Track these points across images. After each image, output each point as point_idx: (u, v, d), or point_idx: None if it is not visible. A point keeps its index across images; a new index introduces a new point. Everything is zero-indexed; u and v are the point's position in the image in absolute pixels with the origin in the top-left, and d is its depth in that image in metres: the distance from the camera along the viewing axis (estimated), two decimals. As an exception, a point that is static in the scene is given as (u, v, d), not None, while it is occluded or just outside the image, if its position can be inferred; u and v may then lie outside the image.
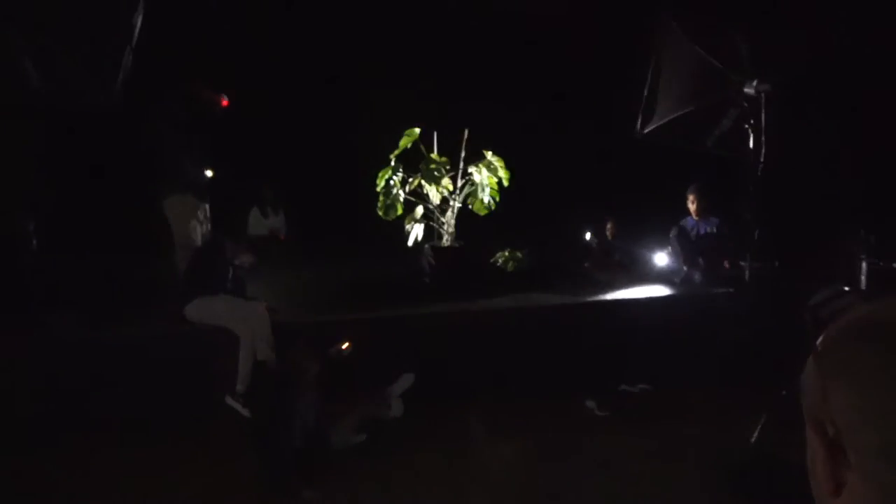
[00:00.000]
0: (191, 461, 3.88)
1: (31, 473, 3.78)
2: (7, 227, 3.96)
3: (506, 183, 5.83)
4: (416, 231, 5.86)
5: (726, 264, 5.88)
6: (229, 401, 4.35)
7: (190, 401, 4.35)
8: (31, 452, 3.96)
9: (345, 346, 4.15)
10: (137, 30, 3.93)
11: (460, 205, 5.89)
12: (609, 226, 6.68)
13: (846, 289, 4.45)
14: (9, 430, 4.07)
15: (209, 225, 5.40)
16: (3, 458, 3.90)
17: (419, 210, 5.86)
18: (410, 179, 5.71)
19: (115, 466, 3.84)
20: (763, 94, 4.17)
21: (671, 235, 5.98)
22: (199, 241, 5.13)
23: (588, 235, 6.79)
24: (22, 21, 3.58)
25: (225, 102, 5.19)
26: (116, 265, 5.49)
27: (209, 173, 5.28)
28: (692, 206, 5.87)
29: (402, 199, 5.72)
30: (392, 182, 5.70)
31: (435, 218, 5.90)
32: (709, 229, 5.81)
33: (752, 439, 3.27)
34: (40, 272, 4.09)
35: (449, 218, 5.89)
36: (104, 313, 4.78)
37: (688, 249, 5.81)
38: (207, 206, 5.37)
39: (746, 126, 4.36)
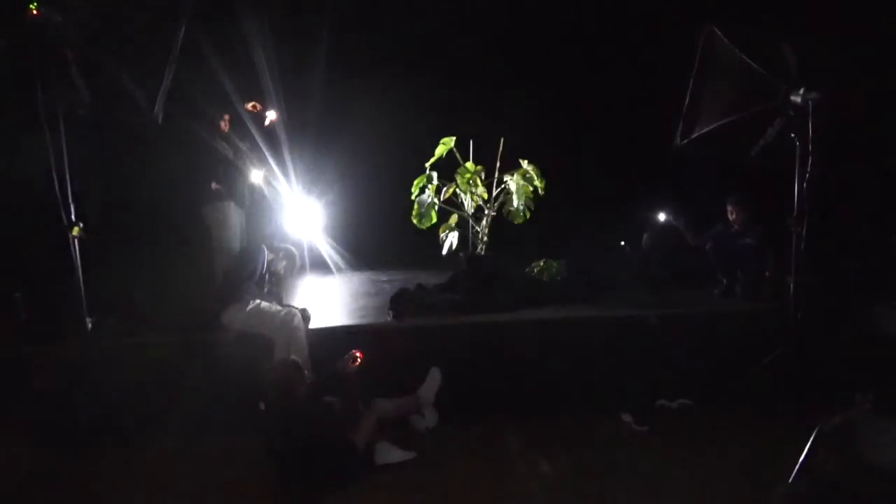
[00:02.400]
0: (223, 466, 3.91)
1: (68, 472, 3.88)
2: (55, 238, 4.03)
3: (541, 192, 5.78)
4: (451, 239, 5.83)
5: (767, 274, 5.76)
6: (263, 407, 4.36)
7: (224, 405, 4.38)
8: (69, 453, 4.05)
9: (355, 360, 4.11)
10: (180, 42, 3.99)
11: (495, 213, 5.85)
12: (646, 237, 6.56)
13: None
14: (52, 431, 4.17)
15: (246, 232, 5.46)
16: (45, 458, 4.00)
17: (454, 218, 5.84)
18: (445, 188, 5.69)
19: (149, 468, 3.90)
20: (811, 103, 4.05)
21: (707, 248, 5.85)
22: (237, 247, 5.18)
23: (623, 243, 6.68)
24: (72, 37, 3.65)
25: (272, 120, 5.26)
26: (155, 272, 5.57)
27: (256, 180, 5.34)
28: (732, 217, 5.74)
29: (436, 207, 5.70)
30: (427, 190, 5.68)
31: (469, 226, 5.87)
32: (749, 241, 5.67)
33: (800, 460, 3.15)
34: (84, 281, 4.16)
35: (483, 226, 5.85)
36: (143, 320, 4.86)
37: (724, 261, 5.68)
38: (244, 214, 5.42)
39: (793, 136, 4.24)
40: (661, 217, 6.11)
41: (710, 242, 5.77)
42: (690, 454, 3.95)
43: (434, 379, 4.44)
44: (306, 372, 4.26)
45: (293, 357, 4.25)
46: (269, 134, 5.51)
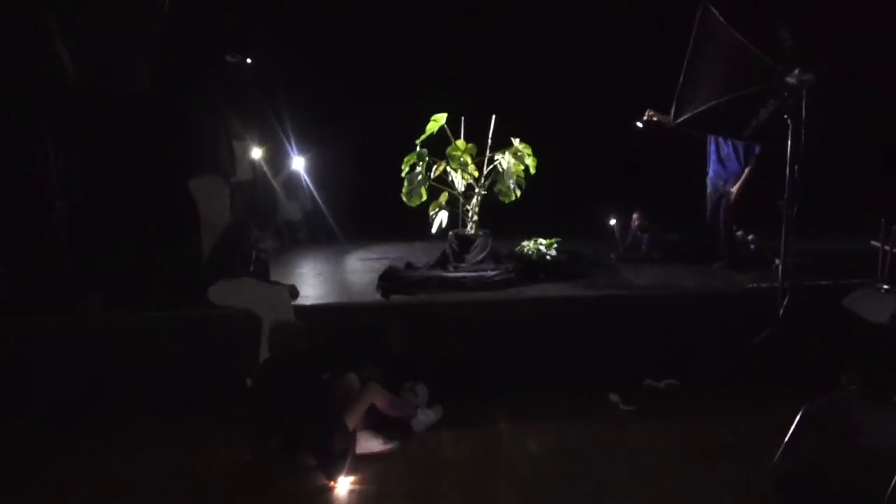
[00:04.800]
0: (211, 442, 3.89)
1: (52, 447, 3.88)
2: (40, 212, 3.96)
3: (532, 170, 5.75)
4: (441, 218, 5.80)
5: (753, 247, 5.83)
6: (251, 384, 4.34)
7: (212, 383, 4.36)
8: (58, 430, 4.02)
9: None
10: (166, 12, 3.89)
11: (485, 192, 5.82)
12: (636, 217, 6.55)
13: (886, 287, 4.34)
14: (38, 407, 4.14)
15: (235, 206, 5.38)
16: (33, 436, 3.97)
17: (444, 196, 5.80)
18: (436, 165, 5.65)
19: (136, 446, 3.88)
20: (805, 84, 4.03)
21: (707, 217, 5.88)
22: (225, 222, 5.11)
23: (612, 222, 6.65)
24: (56, 6, 3.55)
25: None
26: (142, 247, 5.51)
27: (257, 154, 5.25)
28: None
29: (427, 185, 5.66)
30: (417, 168, 5.64)
31: (460, 205, 5.84)
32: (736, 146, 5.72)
33: (785, 440, 3.18)
34: (70, 256, 4.09)
35: (474, 205, 5.83)
36: (129, 296, 4.80)
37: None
38: (230, 188, 5.34)
39: (786, 117, 4.22)
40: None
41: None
42: (677, 434, 3.97)
43: (423, 393, 4.29)
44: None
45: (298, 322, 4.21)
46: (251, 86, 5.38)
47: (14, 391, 4.21)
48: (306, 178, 6.06)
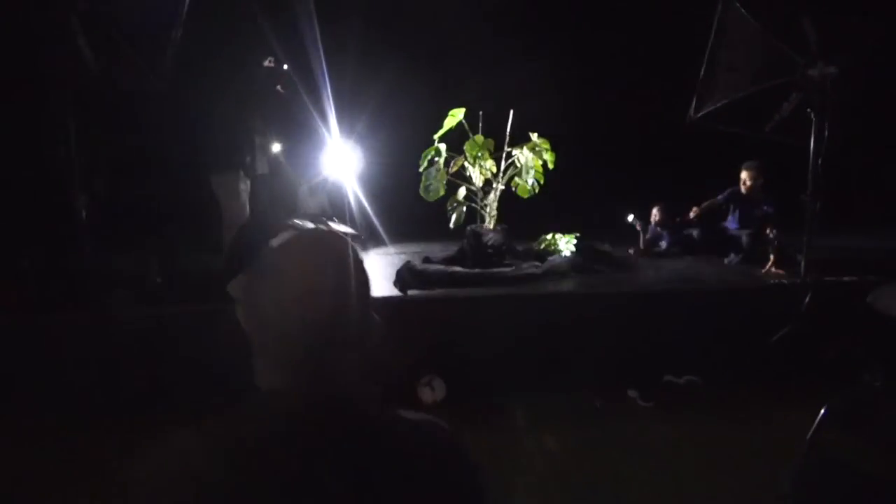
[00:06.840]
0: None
1: (73, 442, 3.90)
2: (63, 207, 4.01)
3: (551, 165, 5.72)
4: (459, 213, 5.80)
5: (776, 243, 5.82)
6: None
7: (231, 377, 4.38)
8: (80, 422, 4.07)
9: None
10: (186, 6, 3.92)
11: (503, 187, 5.80)
12: (656, 212, 6.50)
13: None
14: (63, 400, 4.19)
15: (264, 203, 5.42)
16: (56, 426, 4.02)
17: (461, 192, 5.79)
18: (454, 161, 5.64)
19: (154, 439, 3.91)
20: (828, 78, 3.96)
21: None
22: (245, 219, 5.16)
23: (631, 217, 6.61)
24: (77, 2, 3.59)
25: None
26: (164, 242, 5.56)
27: (277, 149, 5.28)
28: (747, 184, 5.71)
29: (444, 180, 5.65)
30: (435, 163, 5.63)
31: (478, 200, 5.83)
32: (766, 208, 5.66)
33: (808, 437, 3.15)
34: (92, 251, 4.14)
35: (492, 200, 5.81)
36: (151, 291, 4.85)
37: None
38: (250, 184, 5.37)
39: (808, 111, 4.16)
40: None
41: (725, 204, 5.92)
42: (696, 431, 3.94)
43: (441, 388, 4.30)
44: None
45: None
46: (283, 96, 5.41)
47: (34, 384, 4.27)
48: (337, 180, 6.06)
